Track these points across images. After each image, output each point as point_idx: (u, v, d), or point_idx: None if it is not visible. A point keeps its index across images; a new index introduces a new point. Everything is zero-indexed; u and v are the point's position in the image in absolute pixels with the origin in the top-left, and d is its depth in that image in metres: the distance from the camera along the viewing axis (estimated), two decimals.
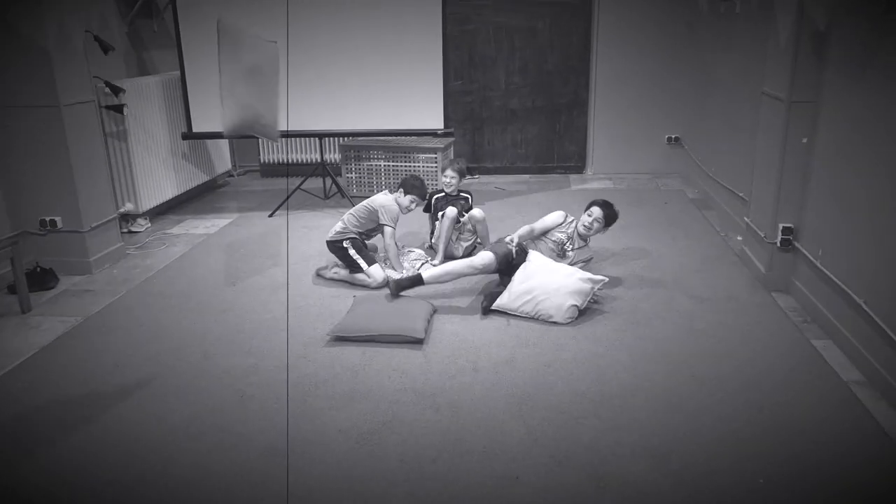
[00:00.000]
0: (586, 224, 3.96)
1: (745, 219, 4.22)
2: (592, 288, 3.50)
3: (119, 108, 4.80)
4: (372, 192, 5.87)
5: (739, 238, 4.52)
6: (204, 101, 5.26)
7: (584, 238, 4.04)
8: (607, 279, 3.63)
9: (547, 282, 3.49)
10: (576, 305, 3.43)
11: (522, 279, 3.55)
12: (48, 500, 2.32)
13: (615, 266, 4.19)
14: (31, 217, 4.24)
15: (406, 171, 5.79)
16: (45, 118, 4.04)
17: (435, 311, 3.58)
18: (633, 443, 2.51)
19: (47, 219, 4.22)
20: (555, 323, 3.42)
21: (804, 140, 3.59)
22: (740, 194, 4.69)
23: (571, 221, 4.03)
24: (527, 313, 3.48)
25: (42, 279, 4.07)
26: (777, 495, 2.24)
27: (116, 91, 4.75)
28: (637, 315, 3.52)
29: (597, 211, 3.96)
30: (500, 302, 3.54)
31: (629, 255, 4.38)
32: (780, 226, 3.74)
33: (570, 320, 3.42)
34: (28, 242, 4.22)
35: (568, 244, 3.96)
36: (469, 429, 2.61)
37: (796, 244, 3.72)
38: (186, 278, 4.17)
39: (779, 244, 3.76)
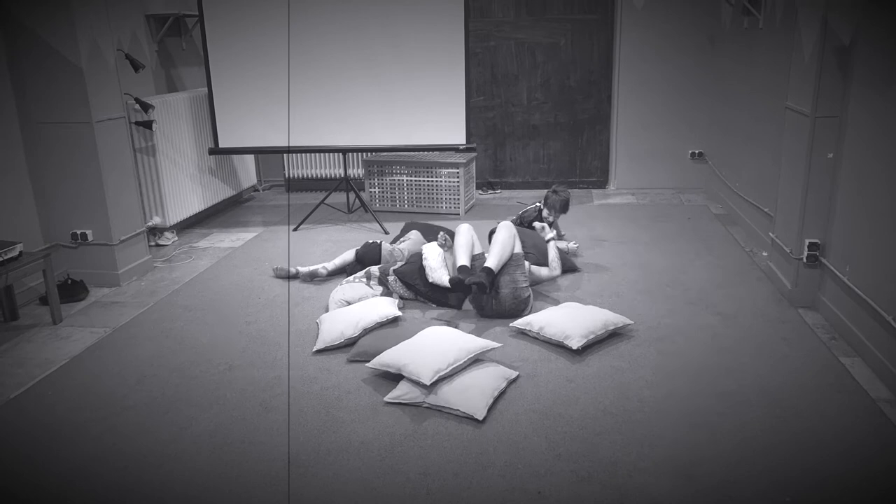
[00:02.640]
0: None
1: (771, 234, 4.19)
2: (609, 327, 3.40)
3: (148, 124, 4.90)
4: (394, 207, 5.95)
5: (765, 254, 4.48)
6: (230, 117, 5.36)
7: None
8: (632, 322, 3.50)
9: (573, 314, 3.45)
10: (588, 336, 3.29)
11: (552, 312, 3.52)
12: None
13: (639, 281, 4.17)
14: (62, 230, 4.34)
15: (428, 186, 5.83)
16: (78, 134, 4.15)
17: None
18: (656, 458, 2.49)
19: (78, 232, 4.31)
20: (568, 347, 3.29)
21: (830, 155, 3.57)
22: (765, 210, 4.66)
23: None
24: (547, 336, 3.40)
25: (72, 291, 4.16)
26: None
27: (146, 107, 4.86)
28: (660, 331, 3.50)
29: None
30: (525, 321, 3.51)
31: (653, 270, 4.36)
32: (807, 241, 3.70)
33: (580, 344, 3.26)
34: (59, 255, 4.32)
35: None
36: (491, 443, 2.61)
37: (823, 260, 3.68)
38: (212, 291, 4.23)
39: (805, 260, 3.72)
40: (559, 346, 3.32)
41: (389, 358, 2.99)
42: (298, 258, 4.79)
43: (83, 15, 4.03)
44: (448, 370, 2.85)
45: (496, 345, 3.12)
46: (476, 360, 3.03)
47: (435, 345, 2.99)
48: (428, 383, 2.79)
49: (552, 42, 6.34)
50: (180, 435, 2.73)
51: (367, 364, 3.06)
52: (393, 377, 3.03)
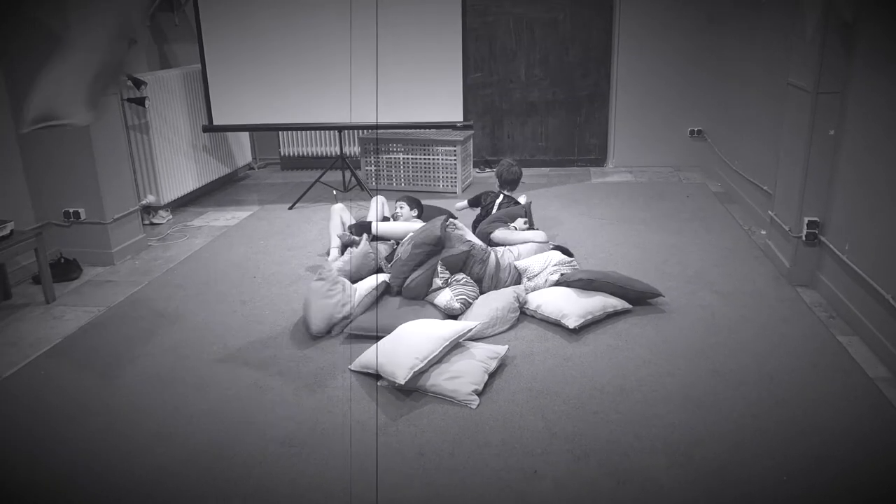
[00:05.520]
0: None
1: (770, 212, 4.16)
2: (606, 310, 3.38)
3: (141, 101, 4.83)
4: (391, 185, 5.90)
5: (763, 232, 4.45)
6: (225, 94, 5.28)
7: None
8: (631, 306, 3.46)
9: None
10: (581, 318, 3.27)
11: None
12: (69, 487, 2.34)
13: (637, 260, 4.14)
14: (55, 208, 4.29)
15: (425, 163, 5.78)
16: None
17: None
18: (652, 437, 2.48)
19: (71, 210, 4.27)
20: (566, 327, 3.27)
21: (831, 132, 3.52)
22: (764, 188, 4.62)
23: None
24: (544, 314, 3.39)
25: (65, 270, 4.12)
26: (800, 492, 2.21)
27: (138, 84, 4.79)
28: (657, 309, 3.48)
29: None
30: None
31: (650, 248, 4.33)
32: (806, 220, 3.67)
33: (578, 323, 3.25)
34: (52, 233, 4.28)
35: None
36: (487, 422, 2.60)
37: (822, 238, 3.65)
38: (207, 270, 4.20)
39: (804, 238, 3.70)
40: (556, 325, 3.31)
41: (367, 359, 2.93)
42: (294, 237, 4.75)
43: None
44: (424, 364, 2.76)
45: (473, 324, 3.05)
46: (458, 345, 2.95)
47: (409, 339, 2.90)
48: (402, 382, 2.72)
49: (551, 17, 6.25)
50: (174, 415, 2.71)
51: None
52: None
